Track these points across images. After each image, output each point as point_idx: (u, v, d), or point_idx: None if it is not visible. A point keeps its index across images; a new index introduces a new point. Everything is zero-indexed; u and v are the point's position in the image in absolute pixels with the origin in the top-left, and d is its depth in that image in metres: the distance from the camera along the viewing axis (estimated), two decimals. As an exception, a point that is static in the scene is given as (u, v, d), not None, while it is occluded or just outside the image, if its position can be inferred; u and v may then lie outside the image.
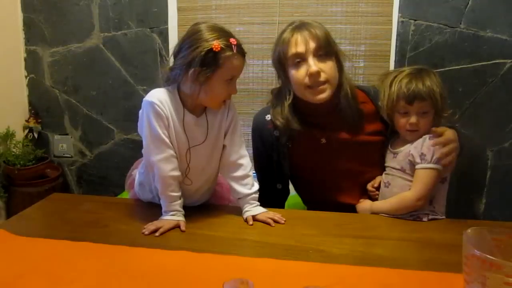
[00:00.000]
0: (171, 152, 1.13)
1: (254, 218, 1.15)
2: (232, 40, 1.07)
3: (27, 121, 2.54)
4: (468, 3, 2.04)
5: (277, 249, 0.99)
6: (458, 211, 1.28)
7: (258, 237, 1.07)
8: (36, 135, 2.56)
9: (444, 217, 1.20)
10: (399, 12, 2.12)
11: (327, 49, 1.18)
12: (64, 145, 2.60)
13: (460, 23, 2.07)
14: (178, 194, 1.14)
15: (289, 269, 0.89)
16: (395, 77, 1.21)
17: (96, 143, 2.57)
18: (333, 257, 0.95)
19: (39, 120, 2.56)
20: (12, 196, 2.36)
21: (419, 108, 1.16)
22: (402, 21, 2.13)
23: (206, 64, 1.05)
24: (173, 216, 1.12)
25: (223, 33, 1.08)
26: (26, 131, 2.54)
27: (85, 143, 2.58)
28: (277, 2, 2.24)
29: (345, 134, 1.28)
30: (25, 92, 2.56)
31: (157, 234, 1.06)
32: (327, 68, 1.18)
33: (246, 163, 1.22)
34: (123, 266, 0.89)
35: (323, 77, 1.18)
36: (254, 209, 1.18)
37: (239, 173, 1.20)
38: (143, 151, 1.16)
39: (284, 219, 1.15)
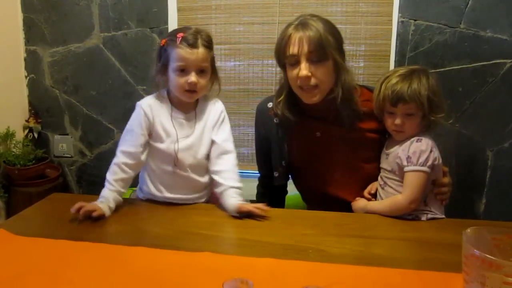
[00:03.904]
0: (134, 150, 1.21)
1: (240, 208, 1.15)
2: (179, 34, 1.17)
3: (27, 121, 2.54)
4: (468, 3, 2.04)
5: (277, 249, 0.99)
6: (458, 211, 1.28)
7: (258, 237, 1.06)
8: (36, 135, 2.56)
9: (443, 216, 1.20)
10: (399, 12, 2.12)
11: (320, 53, 1.18)
12: (64, 145, 2.60)
13: (460, 23, 2.07)
14: (118, 188, 1.19)
15: (289, 268, 0.89)
16: (387, 77, 1.22)
17: (96, 143, 2.57)
18: (332, 256, 0.95)
19: (39, 120, 2.56)
20: (12, 196, 2.36)
21: (403, 109, 1.18)
22: (402, 21, 2.12)
23: (159, 59, 1.22)
24: (100, 202, 1.16)
25: (180, 30, 1.20)
26: (26, 131, 2.54)
27: (85, 143, 2.58)
28: (277, 2, 2.24)
29: (340, 129, 1.30)
30: (25, 92, 2.56)
31: (80, 212, 1.10)
32: (318, 72, 1.19)
33: (231, 158, 1.26)
34: (123, 266, 0.89)
35: (313, 81, 1.19)
36: (237, 200, 1.18)
37: (222, 167, 1.24)
38: None
39: (266, 209, 1.15)
